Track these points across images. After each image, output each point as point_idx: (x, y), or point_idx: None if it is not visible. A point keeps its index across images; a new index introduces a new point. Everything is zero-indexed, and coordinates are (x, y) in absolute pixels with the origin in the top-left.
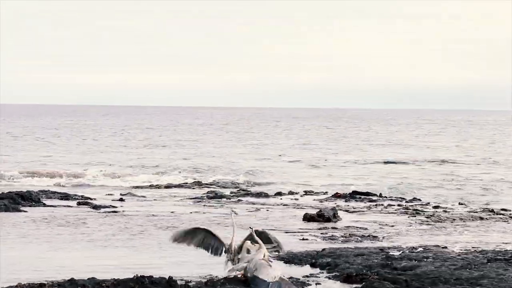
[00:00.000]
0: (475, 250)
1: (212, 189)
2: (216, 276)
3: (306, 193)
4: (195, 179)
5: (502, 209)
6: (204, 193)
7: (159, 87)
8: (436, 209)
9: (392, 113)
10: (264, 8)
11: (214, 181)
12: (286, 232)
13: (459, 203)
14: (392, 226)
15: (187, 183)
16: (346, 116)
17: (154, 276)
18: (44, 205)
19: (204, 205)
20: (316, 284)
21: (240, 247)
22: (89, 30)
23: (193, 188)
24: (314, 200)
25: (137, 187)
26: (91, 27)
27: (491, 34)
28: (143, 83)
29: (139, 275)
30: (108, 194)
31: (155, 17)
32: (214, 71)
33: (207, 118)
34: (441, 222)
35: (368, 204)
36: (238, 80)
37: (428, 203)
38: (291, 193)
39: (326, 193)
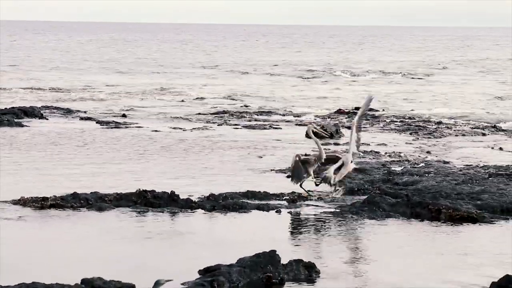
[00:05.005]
0: (476, 166)
1: (217, 105)
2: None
3: (310, 108)
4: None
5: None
6: (207, 109)
7: None
8: (439, 125)
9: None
10: None
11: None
12: (288, 148)
13: (462, 120)
14: (394, 141)
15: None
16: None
17: (156, 191)
18: (47, 119)
19: (207, 121)
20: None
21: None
22: None
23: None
24: (317, 116)
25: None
26: None
27: None
28: None
29: (141, 190)
30: (109, 110)
31: None
32: None
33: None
34: (443, 137)
35: (370, 120)
36: None
37: (430, 119)
38: (294, 107)
39: (328, 109)
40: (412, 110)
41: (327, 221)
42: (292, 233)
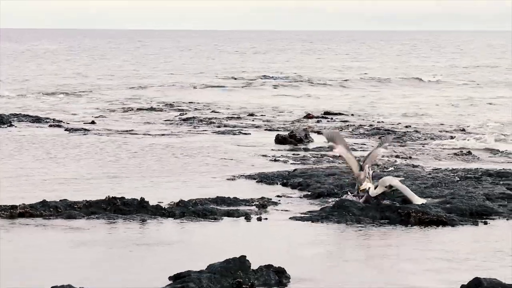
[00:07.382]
0: (445, 169)
1: (186, 110)
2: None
3: (279, 114)
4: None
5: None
6: (176, 115)
7: None
8: (408, 129)
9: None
10: None
11: (191, 102)
12: (257, 154)
13: (431, 124)
14: (364, 145)
15: (161, 107)
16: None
17: (126, 198)
18: (15, 127)
19: (176, 127)
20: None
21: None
22: None
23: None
24: (286, 121)
25: (111, 110)
26: None
27: None
28: None
29: (110, 197)
30: (79, 117)
31: None
32: None
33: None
34: (412, 141)
35: (340, 124)
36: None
37: (400, 122)
38: (263, 114)
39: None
40: (379, 116)
41: (297, 226)
42: (261, 238)
